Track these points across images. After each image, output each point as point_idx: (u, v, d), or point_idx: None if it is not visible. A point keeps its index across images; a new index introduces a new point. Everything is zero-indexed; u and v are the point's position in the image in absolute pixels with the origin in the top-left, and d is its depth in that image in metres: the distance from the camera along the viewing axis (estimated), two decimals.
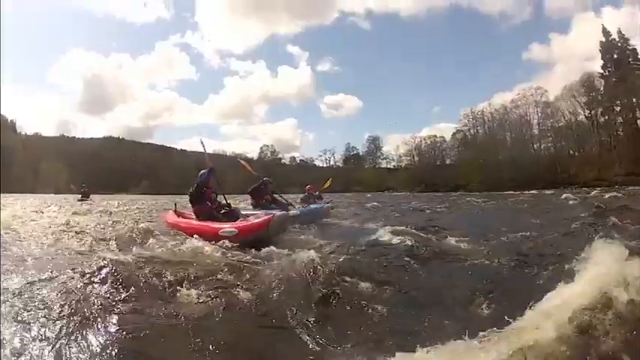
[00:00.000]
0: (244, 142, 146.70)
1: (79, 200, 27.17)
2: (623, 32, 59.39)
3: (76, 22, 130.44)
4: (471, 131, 72.24)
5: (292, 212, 9.99)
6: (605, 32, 60.85)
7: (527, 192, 40.22)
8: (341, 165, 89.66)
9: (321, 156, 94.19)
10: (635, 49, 58.37)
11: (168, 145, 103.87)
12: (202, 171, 8.29)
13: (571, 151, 62.13)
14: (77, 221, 10.41)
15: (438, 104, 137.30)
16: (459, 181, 63.33)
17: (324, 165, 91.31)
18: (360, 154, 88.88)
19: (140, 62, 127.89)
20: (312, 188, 14.98)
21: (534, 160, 60.94)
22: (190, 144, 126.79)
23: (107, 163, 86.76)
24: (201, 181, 8.10)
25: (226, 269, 4.30)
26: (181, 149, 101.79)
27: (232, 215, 8.03)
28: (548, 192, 36.88)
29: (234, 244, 6.15)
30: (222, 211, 8.25)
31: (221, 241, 6.24)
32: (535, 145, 65.93)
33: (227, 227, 6.74)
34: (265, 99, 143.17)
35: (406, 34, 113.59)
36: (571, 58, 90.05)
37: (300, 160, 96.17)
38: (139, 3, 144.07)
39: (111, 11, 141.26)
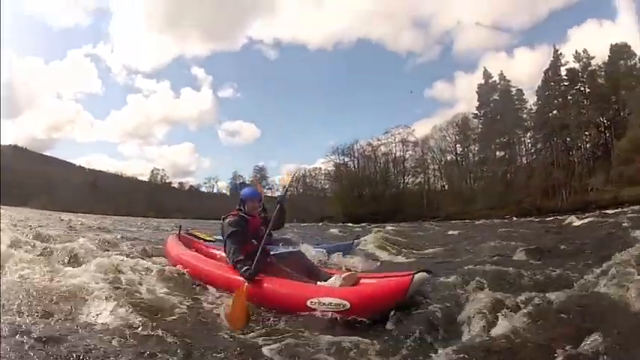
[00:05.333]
0: (141, 163, 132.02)
1: None
2: (504, 74, 55.05)
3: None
4: (342, 167, 64.78)
5: (318, 250, 6.90)
6: (486, 74, 56.06)
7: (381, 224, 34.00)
8: (227, 193, 79.72)
9: (206, 183, 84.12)
10: (520, 90, 54.17)
11: (68, 161, 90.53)
12: (245, 189, 4.83)
13: (443, 187, 57.65)
14: None
15: (334, 137, 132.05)
16: (324, 214, 56.70)
17: (209, 192, 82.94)
18: (247, 182, 77.60)
19: (51, 69, 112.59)
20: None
21: (398, 194, 57.18)
22: (89, 161, 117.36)
23: (11, 174, 75.02)
24: (244, 206, 4.59)
25: None
26: (80, 166, 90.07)
27: (297, 262, 4.49)
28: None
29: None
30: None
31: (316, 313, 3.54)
32: (405, 180, 60.16)
33: (329, 297, 3.58)
34: (165, 120, 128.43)
35: (311, 67, 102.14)
36: (474, 97, 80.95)
37: (190, 187, 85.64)
38: (61, 6, 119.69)
39: (35, 12, 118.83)
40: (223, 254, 4.67)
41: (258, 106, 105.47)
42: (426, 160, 58.49)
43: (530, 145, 52.62)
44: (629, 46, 46.34)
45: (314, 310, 3.48)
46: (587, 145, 48.57)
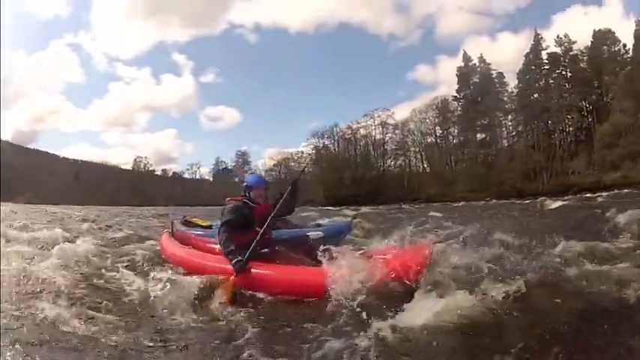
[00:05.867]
0: (124, 151, 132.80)
1: None
2: (484, 58, 54.15)
3: None
4: (322, 150, 64.07)
5: (313, 234, 5.95)
6: (466, 57, 54.85)
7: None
8: (211, 179, 79.49)
9: (188, 169, 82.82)
10: (501, 73, 53.38)
11: (52, 152, 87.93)
12: (251, 176, 5.42)
13: (424, 169, 56.67)
14: None
15: (316, 120, 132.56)
16: (306, 197, 53.58)
17: (192, 177, 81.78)
18: (229, 167, 77.46)
19: (34, 60, 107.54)
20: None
21: (379, 177, 56.10)
22: (73, 152, 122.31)
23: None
24: (250, 193, 4.37)
25: None
26: (63, 157, 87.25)
27: (305, 246, 4.30)
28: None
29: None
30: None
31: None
32: (386, 162, 59.34)
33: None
34: (147, 107, 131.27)
35: (292, 50, 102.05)
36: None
37: (174, 173, 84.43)
38: None
39: (17, 4, 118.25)
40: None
41: (240, 91, 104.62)
42: (406, 143, 57.54)
43: (511, 128, 52.14)
44: (614, 32, 45.78)
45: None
46: (570, 129, 48.00)
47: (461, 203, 32.58)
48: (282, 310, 3.08)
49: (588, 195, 28.23)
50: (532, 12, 77.63)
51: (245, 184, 4.40)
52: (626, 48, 44.65)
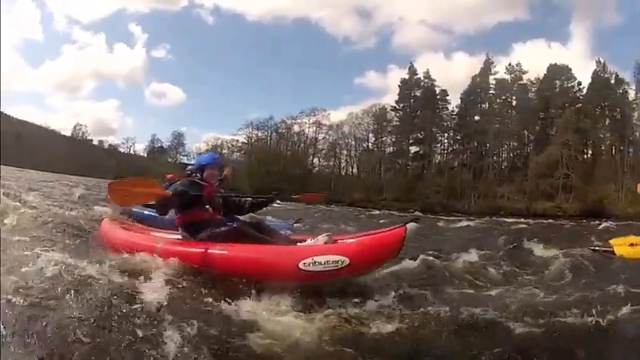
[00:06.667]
0: (66, 117, 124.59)
1: None
2: (430, 73, 52.60)
3: None
4: (254, 141, 61.96)
5: None
6: (412, 70, 53.22)
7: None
8: (145, 155, 74.93)
9: (124, 143, 77.11)
10: (444, 90, 51.72)
11: None
12: (205, 155, 5.66)
13: (353, 173, 55.56)
14: None
15: (257, 110, 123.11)
16: (230, 186, 48.68)
17: (127, 152, 76.57)
18: (164, 147, 73.39)
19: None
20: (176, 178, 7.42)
21: (306, 175, 53.96)
22: (16, 111, 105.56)
23: None
24: (202, 172, 4.08)
25: None
26: (6, 114, 75.89)
27: (267, 230, 3.97)
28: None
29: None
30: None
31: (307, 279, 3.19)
32: (316, 162, 57.91)
33: (325, 255, 3.19)
34: (95, 75, 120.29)
35: (247, 38, 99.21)
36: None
37: (109, 145, 78.14)
38: None
39: None
40: (169, 236, 4.21)
41: (189, 71, 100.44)
42: (339, 145, 56.27)
43: (446, 145, 51.31)
44: (570, 69, 45.77)
45: (309, 272, 3.10)
46: (505, 154, 47.99)
47: (379, 212, 31.23)
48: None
49: (510, 220, 27.36)
50: (495, 38, 77.43)
51: (197, 162, 4.18)
52: (580, 86, 44.99)
